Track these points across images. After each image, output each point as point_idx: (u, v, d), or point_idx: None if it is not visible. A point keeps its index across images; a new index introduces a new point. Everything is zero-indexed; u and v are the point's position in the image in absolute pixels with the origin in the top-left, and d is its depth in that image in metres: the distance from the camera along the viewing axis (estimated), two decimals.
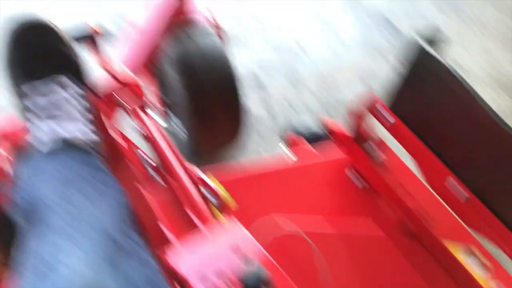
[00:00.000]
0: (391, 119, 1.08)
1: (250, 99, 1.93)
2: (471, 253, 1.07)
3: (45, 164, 0.73)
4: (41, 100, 0.78)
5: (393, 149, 1.22)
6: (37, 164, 0.74)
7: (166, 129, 1.71)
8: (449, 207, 1.08)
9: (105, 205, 0.73)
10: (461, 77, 0.88)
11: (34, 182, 0.71)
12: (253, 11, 2.28)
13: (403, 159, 1.22)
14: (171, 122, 1.67)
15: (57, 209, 0.67)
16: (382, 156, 1.19)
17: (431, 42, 0.93)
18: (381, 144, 1.23)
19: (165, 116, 1.68)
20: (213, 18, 1.45)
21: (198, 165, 0.97)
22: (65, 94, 0.80)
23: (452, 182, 1.02)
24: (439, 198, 1.12)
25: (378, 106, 1.10)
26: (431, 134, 1.05)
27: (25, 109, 0.78)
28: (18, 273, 0.61)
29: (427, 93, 1.00)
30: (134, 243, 0.75)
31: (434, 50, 0.92)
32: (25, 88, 0.78)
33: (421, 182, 1.17)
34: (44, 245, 0.62)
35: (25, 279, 0.59)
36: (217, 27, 1.44)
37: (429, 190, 1.15)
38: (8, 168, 0.86)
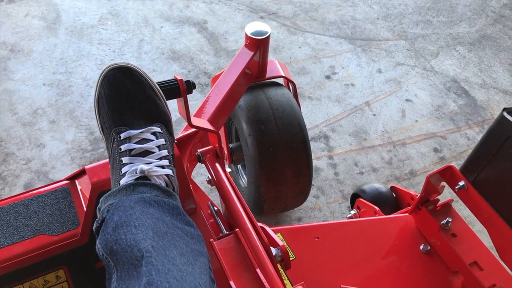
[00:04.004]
0: (462, 183, 1.05)
1: (316, 154, 1.93)
2: None
3: (137, 211, 0.75)
4: (136, 146, 0.82)
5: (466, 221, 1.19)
6: (129, 209, 0.76)
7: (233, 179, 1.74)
8: None
9: (199, 264, 0.74)
10: None
11: (128, 228, 0.73)
12: (324, 68, 2.31)
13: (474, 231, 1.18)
14: (237, 172, 1.69)
15: (159, 266, 0.67)
16: (450, 222, 1.16)
17: None
18: (450, 209, 1.20)
19: (232, 165, 1.70)
20: (287, 74, 1.48)
21: (259, 217, 0.96)
22: (157, 142, 0.84)
23: None
24: (510, 271, 1.06)
25: (450, 171, 1.08)
26: (504, 203, 1.01)
27: (118, 152, 0.82)
28: None
29: (505, 163, 0.96)
30: None
31: None
32: (123, 135, 0.83)
33: (492, 255, 1.12)
34: None
35: None
36: (290, 82, 1.47)
37: (502, 265, 1.10)
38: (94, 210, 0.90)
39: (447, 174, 1.12)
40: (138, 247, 0.69)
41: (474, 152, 1.04)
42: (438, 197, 1.21)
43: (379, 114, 2.12)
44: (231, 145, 1.59)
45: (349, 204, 1.73)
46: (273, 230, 1.00)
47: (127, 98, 0.86)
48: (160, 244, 0.71)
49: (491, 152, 0.98)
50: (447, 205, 1.23)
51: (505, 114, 0.90)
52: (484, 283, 1.08)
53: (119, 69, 0.85)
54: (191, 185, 1.12)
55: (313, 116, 2.08)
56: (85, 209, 0.94)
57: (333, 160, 1.93)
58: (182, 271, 0.68)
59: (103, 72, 0.85)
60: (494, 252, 1.11)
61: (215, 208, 1.10)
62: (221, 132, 1.64)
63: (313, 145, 1.96)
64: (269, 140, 1.39)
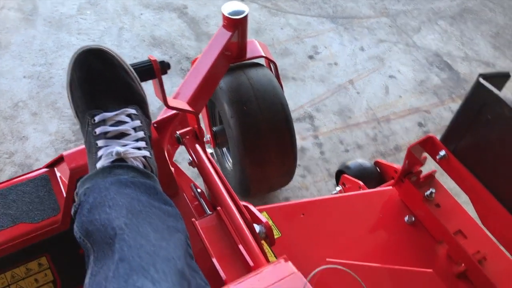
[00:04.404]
0: (443, 152, 1.06)
1: (301, 134, 1.93)
2: None
3: (112, 191, 0.75)
4: (111, 129, 0.81)
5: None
6: (104, 190, 0.76)
7: (217, 161, 1.73)
8: (501, 243, 1.04)
9: (174, 240, 0.74)
10: None
11: (102, 208, 0.73)
12: (307, 48, 2.30)
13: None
14: (222, 155, 1.69)
15: (131, 242, 0.67)
16: (434, 193, 1.16)
17: (491, 79, 0.90)
18: (433, 180, 1.20)
19: (217, 149, 1.70)
20: (268, 54, 1.47)
21: (247, 199, 0.97)
22: (133, 124, 0.84)
23: (505, 216, 0.97)
24: (494, 239, 1.07)
25: (431, 141, 1.08)
26: (485, 170, 1.02)
27: (93, 136, 0.82)
28: None
29: (483, 130, 0.97)
30: (201, 280, 0.75)
31: (495, 87, 0.89)
32: (97, 118, 0.82)
33: (476, 223, 1.13)
34: (125, 285, 0.61)
35: None
36: (271, 62, 1.46)
37: (485, 232, 1.11)
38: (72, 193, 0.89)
39: (428, 144, 1.13)
40: (112, 225, 0.69)
41: (453, 121, 1.04)
42: (422, 169, 1.21)
43: (363, 91, 2.12)
44: (214, 129, 1.59)
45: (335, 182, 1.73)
46: (258, 209, 1.00)
47: (99, 81, 0.85)
48: (134, 221, 0.70)
49: (469, 120, 0.98)
50: (431, 177, 1.24)
51: (480, 80, 0.90)
52: (468, 250, 1.09)
53: (90, 52, 0.84)
54: (173, 168, 1.11)
55: (297, 97, 2.08)
56: (65, 195, 0.94)
57: (318, 140, 1.93)
58: (155, 246, 0.68)
59: (74, 55, 0.84)
60: (478, 220, 1.12)
61: (198, 190, 1.10)
62: (204, 115, 1.63)
63: (298, 126, 1.96)
64: (252, 121, 1.39)
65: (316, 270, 0.64)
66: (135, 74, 0.89)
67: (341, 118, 2.01)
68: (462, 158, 1.06)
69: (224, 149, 1.67)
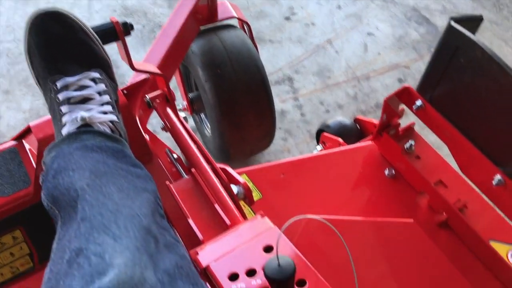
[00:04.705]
0: (419, 102, 1.05)
1: (281, 97, 1.91)
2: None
3: (76, 155, 0.73)
4: (74, 94, 0.79)
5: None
6: (68, 155, 0.74)
7: (196, 128, 1.71)
8: (482, 190, 1.04)
9: (141, 199, 0.73)
10: (498, 58, 0.83)
11: (66, 172, 0.71)
12: (283, 10, 2.26)
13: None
14: (201, 122, 1.67)
15: (93, 201, 0.66)
16: (413, 145, 1.16)
17: (463, 23, 0.88)
18: (413, 133, 1.20)
19: (194, 115, 1.67)
20: (240, 14, 1.43)
21: (228, 164, 0.95)
22: (97, 88, 0.81)
23: (484, 162, 0.97)
24: (473, 185, 1.08)
25: (407, 92, 1.07)
26: (462, 117, 1.01)
27: (57, 102, 0.79)
28: (61, 271, 0.60)
29: (457, 75, 0.96)
30: (171, 237, 0.74)
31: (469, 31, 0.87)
32: (59, 84, 0.79)
33: (456, 172, 1.13)
34: (86, 243, 0.61)
35: (71, 279, 0.57)
36: (245, 23, 1.43)
37: (465, 181, 1.11)
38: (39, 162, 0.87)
39: (404, 95, 1.11)
40: (74, 187, 0.67)
41: (427, 69, 1.02)
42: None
43: (341, 50, 2.10)
44: (190, 95, 1.56)
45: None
46: (237, 172, 0.98)
47: (59, 45, 0.81)
48: (97, 182, 0.69)
49: (443, 66, 0.96)
50: (410, 129, 1.23)
51: (452, 23, 0.88)
52: (449, 199, 1.09)
53: (47, 15, 0.80)
54: (148, 136, 1.09)
55: (275, 60, 2.05)
56: (35, 167, 0.91)
57: (298, 102, 1.91)
58: (119, 204, 0.67)
59: (29, 20, 0.80)
60: (459, 170, 1.12)
61: (175, 156, 1.08)
62: (179, 82, 1.60)
63: (277, 88, 1.94)
64: (227, 84, 1.36)
65: (290, 220, 0.63)
66: (96, 36, 0.85)
67: (320, 79, 1.99)
68: (438, 107, 1.05)
69: (202, 115, 1.65)
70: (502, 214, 1.08)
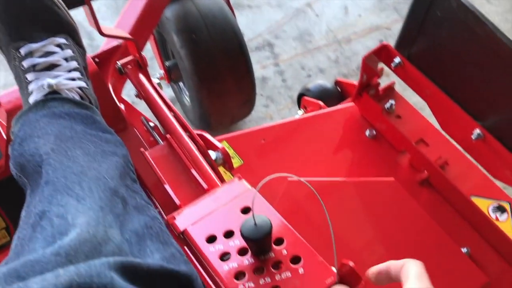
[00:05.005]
0: (398, 59, 1.03)
1: (261, 63, 1.88)
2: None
3: (42, 122, 0.71)
4: (39, 61, 0.76)
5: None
6: (34, 122, 0.72)
7: (176, 98, 1.68)
8: (462, 146, 1.04)
9: (109, 162, 0.71)
10: (474, 7, 0.81)
11: (31, 139, 0.70)
12: None
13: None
14: (180, 91, 1.64)
15: (57, 165, 0.65)
16: (394, 105, 1.15)
17: None
18: (393, 92, 1.19)
19: (173, 84, 1.64)
20: None
21: (210, 133, 0.94)
22: (64, 54, 0.78)
23: (463, 117, 0.96)
24: (454, 143, 1.07)
25: (385, 49, 1.05)
26: (440, 72, 1.00)
27: (22, 70, 0.76)
28: (27, 236, 0.60)
29: (434, 29, 0.94)
30: (142, 200, 0.73)
31: None
32: (23, 50, 0.77)
33: (438, 130, 1.13)
34: (49, 205, 0.60)
35: (35, 242, 0.56)
36: None
37: (446, 138, 1.11)
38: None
39: (383, 53, 1.10)
40: (39, 153, 0.66)
41: (404, 25, 1.01)
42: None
43: (321, 14, 2.06)
44: (167, 63, 1.52)
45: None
46: (217, 140, 0.96)
47: (20, 9, 0.78)
48: (62, 146, 0.67)
49: (419, 21, 0.95)
50: (390, 89, 1.21)
51: None
52: (430, 157, 1.09)
53: None
54: (122, 105, 1.06)
55: (254, 25, 2.01)
56: (5, 139, 0.89)
57: (279, 67, 1.88)
58: (84, 167, 0.65)
59: None
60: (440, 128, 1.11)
61: (151, 124, 1.06)
62: (156, 51, 1.56)
63: (257, 54, 1.91)
64: (203, 49, 1.33)
65: (266, 179, 0.61)
66: (60, 1, 0.82)
67: (301, 43, 1.96)
68: (417, 63, 1.04)
69: (181, 84, 1.62)
70: (483, 170, 1.09)
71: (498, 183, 1.07)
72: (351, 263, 0.59)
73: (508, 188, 1.24)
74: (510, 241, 0.98)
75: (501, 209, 1.06)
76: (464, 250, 0.99)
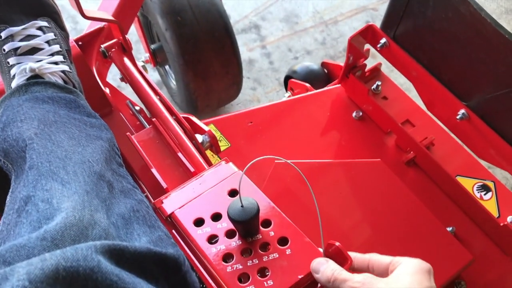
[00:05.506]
0: (383, 40, 1.03)
1: (248, 46, 1.87)
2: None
3: (25, 107, 0.70)
4: (21, 44, 0.75)
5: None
6: (17, 107, 0.71)
7: (162, 82, 1.67)
8: (447, 126, 1.05)
9: (94, 146, 0.71)
10: None
11: (14, 123, 0.69)
12: None
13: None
14: (166, 74, 1.62)
15: (41, 149, 0.64)
16: (380, 86, 1.15)
17: None
18: (379, 73, 1.19)
19: (159, 68, 1.63)
20: None
21: (198, 116, 0.93)
22: (45, 38, 0.77)
23: (449, 98, 0.97)
24: (440, 123, 1.08)
25: (371, 30, 1.05)
26: (425, 53, 1.00)
27: (3, 54, 0.75)
28: (12, 221, 0.59)
29: (419, 8, 0.94)
30: (128, 183, 0.73)
31: None
32: (3, 34, 0.76)
33: (423, 111, 1.14)
34: (34, 190, 0.59)
35: (20, 227, 0.56)
36: None
37: (432, 119, 1.12)
38: None
39: (368, 34, 1.09)
40: (22, 137, 0.65)
41: (389, 5, 1.00)
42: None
43: None
44: (152, 46, 1.51)
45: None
46: (204, 123, 0.96)
47: None
48: (46, 130, 0.66)
49: (405, 0, 0.94)
50: (376, 70, 1.21)
51: None
52: (416, 138, 1.10)
53: None
54: (108, 88, 1.05)
55: (240, 7, 1.99)
56: None
57: (266, 49, 1.87)
58: (68, 151, 0.65)
59: None
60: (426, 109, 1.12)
61: (136, 108, 1.05)
62: (141, 35, 1.54)
63: (244, 37, 1.89)
64: (189, 31, 1.31)
65: (253, 161, 0.62)
66: None
67: (288, 25, 1.95)
68: (402, 44, 1.03)
69: (167, 67, 1.60)
70: (468, 150, 1.10)
71: (483, 163, 1.09)
72: (337, 243, 0.60)
73: (493, 167, 1.26)
74: (494, 219, 1.00)
75: (485, 188, 1.07)
76: (449, 229, 1.01)
